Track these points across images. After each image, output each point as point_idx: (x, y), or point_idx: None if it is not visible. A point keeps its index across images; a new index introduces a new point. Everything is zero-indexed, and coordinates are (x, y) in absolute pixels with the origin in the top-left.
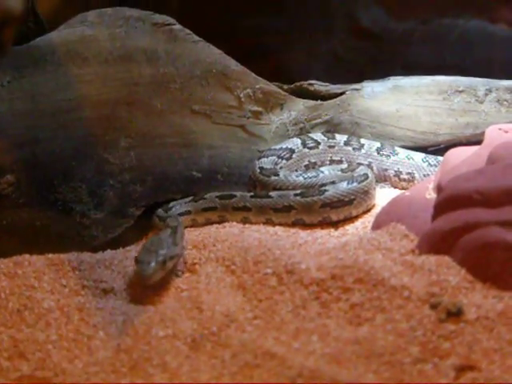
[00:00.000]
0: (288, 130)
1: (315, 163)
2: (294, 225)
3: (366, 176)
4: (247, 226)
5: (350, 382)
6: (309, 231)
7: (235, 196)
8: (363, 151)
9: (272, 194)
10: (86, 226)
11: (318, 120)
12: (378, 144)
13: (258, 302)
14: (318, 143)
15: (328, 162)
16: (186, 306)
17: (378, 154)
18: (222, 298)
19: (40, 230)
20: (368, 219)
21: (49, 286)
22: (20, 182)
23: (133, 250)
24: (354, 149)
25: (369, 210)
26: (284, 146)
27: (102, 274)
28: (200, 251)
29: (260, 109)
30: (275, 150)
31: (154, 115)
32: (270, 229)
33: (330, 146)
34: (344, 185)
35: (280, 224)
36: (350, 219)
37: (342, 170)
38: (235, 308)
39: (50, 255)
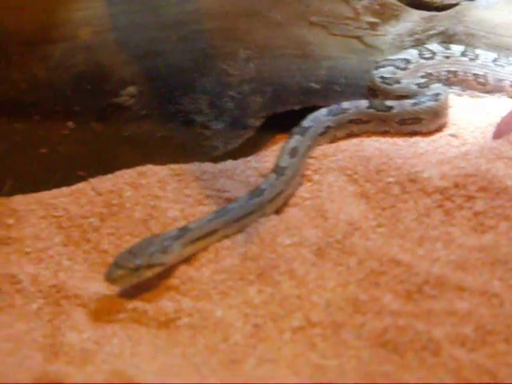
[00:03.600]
0: (403, 41)
1: (431, 74)
2: (411, 135)
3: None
4: (366, 136)
5: (477, 288)
6: (428, 141)
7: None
8: (479, 61)
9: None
10: (206, 137)
11: (433, 31)
12: (494, 55)
13: (382, 210)
14: (434, 54)
15: (444, 73)
16: (310, 214)
17: (494, 64)
18: (346, 207)
19: (161, 142)
20: (488, 129)
21: (173, 195)
22: (141, 93)
23: (252, 161)
24: (470, 59)
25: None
26: (401, 57)
27: (224, 184)
28: (321, 161)
29: (376, 20)
30: (392, 60)
31: (272, 27)
32: (389, 139)
33: (446, 57)
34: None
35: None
36: (469, 130)
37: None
38: (359, 216)
39: (173, 165)
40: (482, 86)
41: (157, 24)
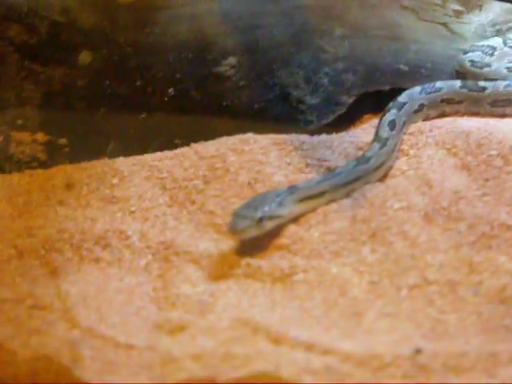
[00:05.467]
0: (486, 31)
1: None
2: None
3: None
4: (458, 116)
5: None
6: None
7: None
8: None
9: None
10: (301, 111)
11: None
12: None
13: (485, 181)
14: None
15: None
16: (414, 182)
17: None
18: (448, 177)
19: (257, 113)
20: None
21: (276, 162)
22: (241, 65)
23: (346, 136)
24: None
25: None
26: (487, 44)
27: (324, 154)
28: (417, 137)
29: (461, 8)
30: (479, 46)
31: (366, 7)
32: (482, 119)
33: None
34: None
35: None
36: None
37: None
38: (462, 186)
39: (272, 135)
40: None
41: None
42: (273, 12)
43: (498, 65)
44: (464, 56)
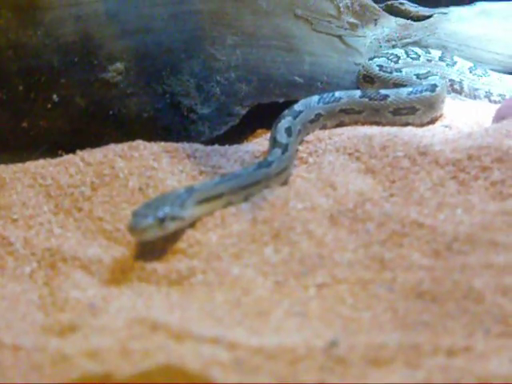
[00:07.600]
0: (381, 46)
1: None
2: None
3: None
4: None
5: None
6: (423, 130)
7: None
8: (456, 68)
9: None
10: (192, 121)
11: (408, 39)
12: (470, 64)
13: (391, 182)
14: (419, 55)
15: None
16: (317, 185)
17: (470, 73)
18: (352, 181)
19: (147, 122)
20: (483, 120)
21: (168, 168)
22: (129, 71)
23: (241, 147)
24: (447, 65)
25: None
26: (390, 52)
27: (218, 162)
28: (315, 145)
29: (356, 21)
30: (383, 53)
31: (259, 15)
32: (383, 128)
33: (428, 60)
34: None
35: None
36: (462, 122)
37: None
38: (367, 188)
39: (163, 143)
40: (457, 92)
41: (148, 0)
42: (163, 16)
43: (408, 70)
44: (370, 61)
